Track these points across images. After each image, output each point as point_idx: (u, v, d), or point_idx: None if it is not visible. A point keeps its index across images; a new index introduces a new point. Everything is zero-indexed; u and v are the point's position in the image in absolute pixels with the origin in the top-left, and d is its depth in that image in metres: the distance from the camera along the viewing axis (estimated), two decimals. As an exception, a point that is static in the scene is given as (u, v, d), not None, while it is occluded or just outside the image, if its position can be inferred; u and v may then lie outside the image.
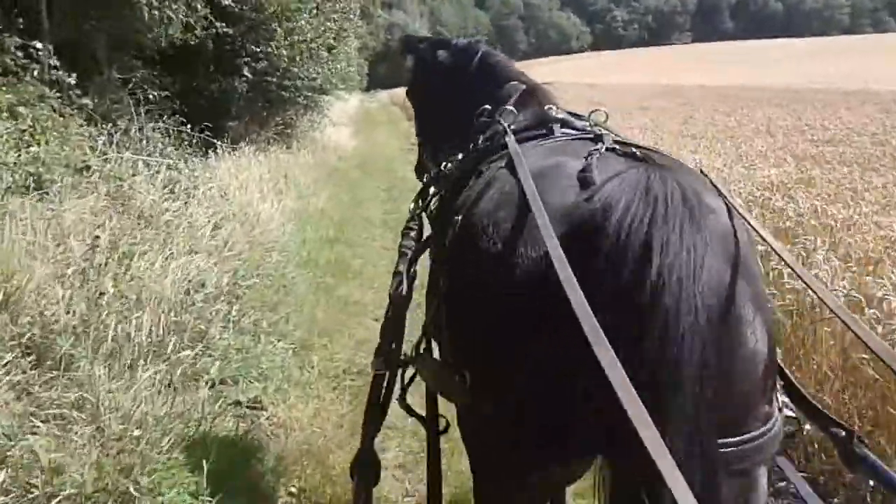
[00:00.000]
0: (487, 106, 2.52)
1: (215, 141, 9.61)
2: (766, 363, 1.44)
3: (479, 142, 2.30)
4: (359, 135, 20.63)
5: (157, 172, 6.18)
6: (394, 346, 2.26)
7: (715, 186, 1.74)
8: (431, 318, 2.01)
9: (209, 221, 5.76)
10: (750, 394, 1.43)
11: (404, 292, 2.23)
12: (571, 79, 44.79)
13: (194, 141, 8.66)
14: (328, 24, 13.12)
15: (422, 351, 2.12)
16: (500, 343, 1.51)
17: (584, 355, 1.11)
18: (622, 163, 1.65)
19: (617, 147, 1.77)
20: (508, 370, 1.50)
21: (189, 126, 9.33)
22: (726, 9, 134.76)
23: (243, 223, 6.44)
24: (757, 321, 1.41)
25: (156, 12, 6.79)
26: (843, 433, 1.56)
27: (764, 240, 1.73)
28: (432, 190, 2.54)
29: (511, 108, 2.40)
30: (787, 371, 1.71)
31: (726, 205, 1.59)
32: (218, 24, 9.78)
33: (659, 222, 1.31)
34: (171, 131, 7.79)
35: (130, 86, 7.28)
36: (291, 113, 12.76)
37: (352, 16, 19.76)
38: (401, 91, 38.16)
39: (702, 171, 1.96)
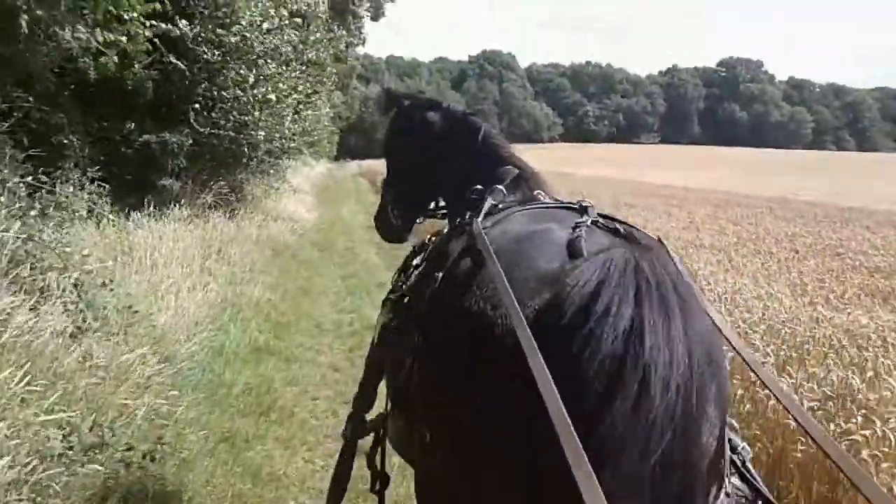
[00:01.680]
0: (479, 186, 2.46)
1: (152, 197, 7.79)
2: (713, 459, 1.45)
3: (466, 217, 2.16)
4: (321, 206, 18.76)
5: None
6: (363, 417, 2.36)
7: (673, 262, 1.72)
8: (402, 380, 1.97)
9: (64, 330, 3.78)
10: (694, 483, 1.40)
11: (380, 366, 2.29)
12: (546, 167, 44.21)
13: (102, 200, 6.74)
14: (299, 80, 11.51)
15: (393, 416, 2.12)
16: (467, 410, 1.51)
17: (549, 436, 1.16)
18: (608, 237, 1.69)
19: (601, 220, 1.81)
20: (475, 439, 1.50)
21: (108, 181, 7.54)
22: (694, 114, 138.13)
23: (126, 329, 4.45)
24: (714, 417, 1.42)
25: (41, 30, 4.92)
26: None
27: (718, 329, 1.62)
28: (416, 262, 2.46)
29: (501, 188, 2.42)
30: (753, 472, 1.74)
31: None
32: (168, 57, 8.09)
33: (645, 308, 1.34)
34: (62, 186, 5.87)
35: (7, 125, 5.30)
36: (243, 175, 10.91)
37: (325, 79, 18.40)
38: (370, 163, 36.76)
39: (661, 242, 1.93)
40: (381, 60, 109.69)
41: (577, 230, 1.65)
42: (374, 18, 40.95)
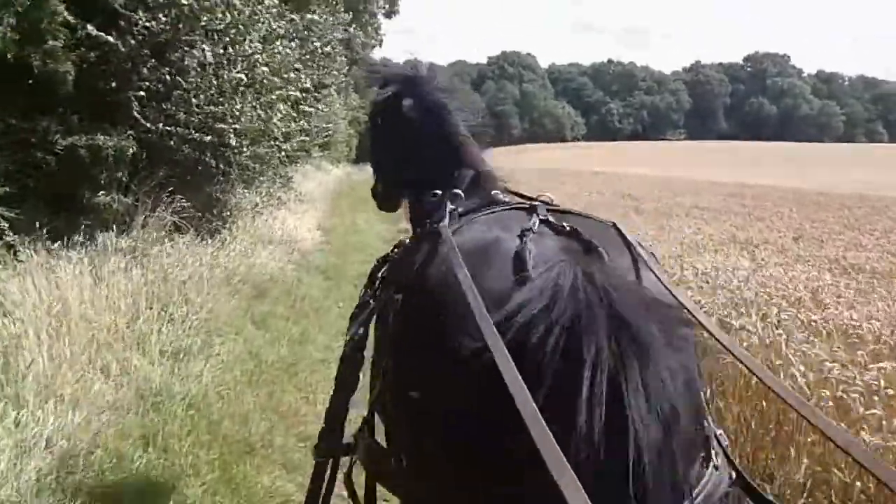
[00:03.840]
0: (438, 191, 2.40)
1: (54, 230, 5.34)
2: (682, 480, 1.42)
3: (427, 226, 2.15)
4: (333, 217, 16.04)
5: None
6: (336, 433, 2.24)
7: (626, 243, 1.84)
8: (374, 401, 1.98)
9: None
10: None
11: (350, 379, 2.24)
12: (574, 166, 41.59)
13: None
14: (294, 64, 9.05)
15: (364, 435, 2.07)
16: (444, 434, 1.52)
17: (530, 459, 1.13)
18: (555, 241, 1.71)
19: (550, 219, 1.82)
20: (448, 462, 1.51)
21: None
22: (720, 109, 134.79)
23: None
24: (691, 439, 1.43)
25: None
26: None
27: (687, 309, 1.65)
28: (380, 274, 2.35)
29: (460, 192, 2.36)
30: (729, 455, 1.73)
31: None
32: (88, 29, 5.75)
33: (593, 329, 1.33)
34: None
35: None
36: (220, 187, 8.35)
37: (336, 71, 15.95)
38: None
39: (618, 229, 1.94)
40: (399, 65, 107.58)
41: (525, 238, 1.67)
42: (388, 15, 39.14)
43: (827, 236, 10.99)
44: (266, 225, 9.82)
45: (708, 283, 6.26)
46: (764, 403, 3.99)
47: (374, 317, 2.15)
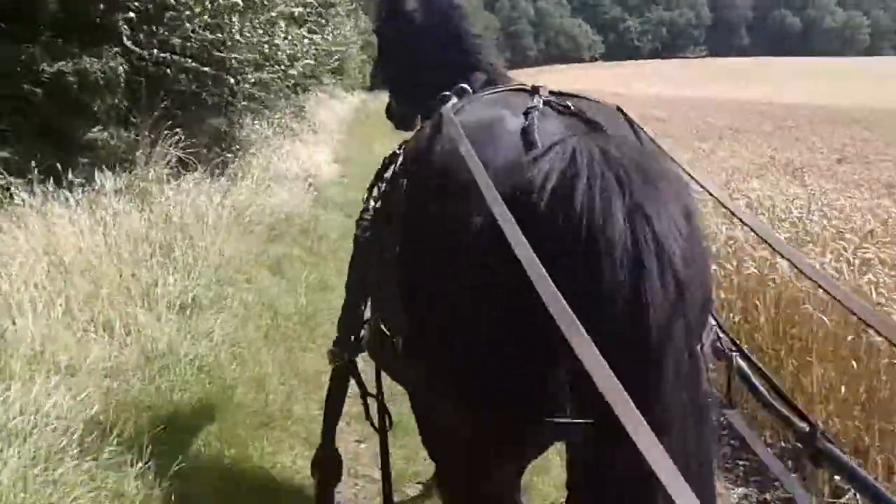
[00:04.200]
0: (447, 93, 2.18)
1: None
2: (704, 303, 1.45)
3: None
4: (350, 147, 15.28)
5: None
6: (352, 336, 2.26)
7: (633, 126, 1.80)
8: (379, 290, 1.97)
9: None
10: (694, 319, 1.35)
11: (360, 286, 2.23)
12: (594, 87, 40.27)
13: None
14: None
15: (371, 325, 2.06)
16: (456, 315, 1.50)
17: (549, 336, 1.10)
18: (560, 120, 1.65)
19: (553, 100, 1.74)
20: (464, 343, 1.49)
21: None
22: (742, 24, 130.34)
23: None
24: (696, 306, 1.38)
25: None
26: (807, 427, 1.54)
27: (716, 198, 1.70)
28: (386, 175, 2.20)
29: (467, 87, 2.32)
30: (756, 361, 1.81)
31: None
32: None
33: (613, 198, 1.29)
34: None
35: None
36: (224, 118, 7.74)
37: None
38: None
39: (622, 112, 1.89)
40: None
41: (529, 116, 1.62)
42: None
43: (873, 156, 10.29)
44: (280, 158, 9.19)
45: (765, 214, 5.67)
46: (854, 364, 3.43)
47: (382, 202, 2.12)
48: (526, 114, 1.63)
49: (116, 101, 6.04)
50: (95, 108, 5.69)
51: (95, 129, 5.92)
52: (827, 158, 9.74)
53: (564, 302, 1.07)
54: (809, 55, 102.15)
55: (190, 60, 6.45)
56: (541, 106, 1.67)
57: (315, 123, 15.16)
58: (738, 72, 64.38)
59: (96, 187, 5.58)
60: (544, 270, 1.12)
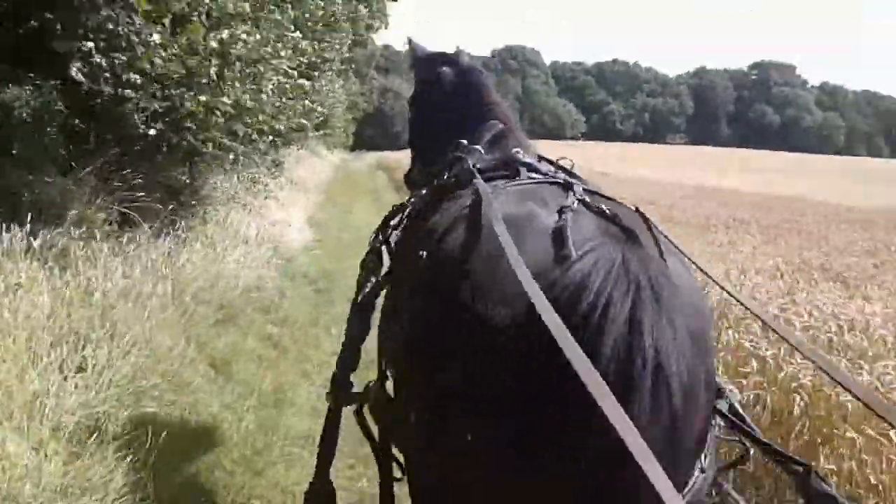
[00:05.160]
0: (464, 141, 2.42)
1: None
2: (696, 441, 1.52)
3: (445, 177, 2.22)
4: (327, 208, 14.19)
5: None
6: (349, 381, 2.29)
7: (650, 228, 1.75)
8: (388, 352, 2.02)
9: None
10: (682, 453, 1.45)
11: (361, 326, 2.27)
12: (580, 166, 39.93)
13: None
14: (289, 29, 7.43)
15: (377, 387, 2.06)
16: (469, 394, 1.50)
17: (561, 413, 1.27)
18: (594, 223, 1.65)
19: (587, 199, 1.76)
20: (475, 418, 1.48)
21: None
22: (723, 116, 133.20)
23: None
24: (702, 403, 1.48)
25: None
26: (801, 468, 1.59)
27: (719, 285, 1.78)
28: (394, 222, 2.39)
29: (479, 147, 2.42)
30: (742, 412, 1.80)
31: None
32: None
33: (639, 310, 1.36)
34: None
35: None
36: (187, 170, 6.60)
37: (338, 45, 14.33)
38: (389, 154, 32.49)
39: (641, 215, 1.85)
40: (401, 53, 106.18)
41: (563, 216, 1.63)
42: (394, -3, 37.17)
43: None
44: (243, 217, 7.97)
45: (835, 337, 4.62)
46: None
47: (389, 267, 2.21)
48: (560, 212, 1.64)
49: (47, 140, 4.90)
50: (14, 150, 4.54)
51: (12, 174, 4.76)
52: (862, 260, 8.81)
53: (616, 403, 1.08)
54: (787, 150, 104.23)
55: (153, 100, 5.39)
56: (574, 206, 1.68)
57: (291, 181, 14.12)
58: (719, 160, 65.15)
59: (4, 246, 4.40)
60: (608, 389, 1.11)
